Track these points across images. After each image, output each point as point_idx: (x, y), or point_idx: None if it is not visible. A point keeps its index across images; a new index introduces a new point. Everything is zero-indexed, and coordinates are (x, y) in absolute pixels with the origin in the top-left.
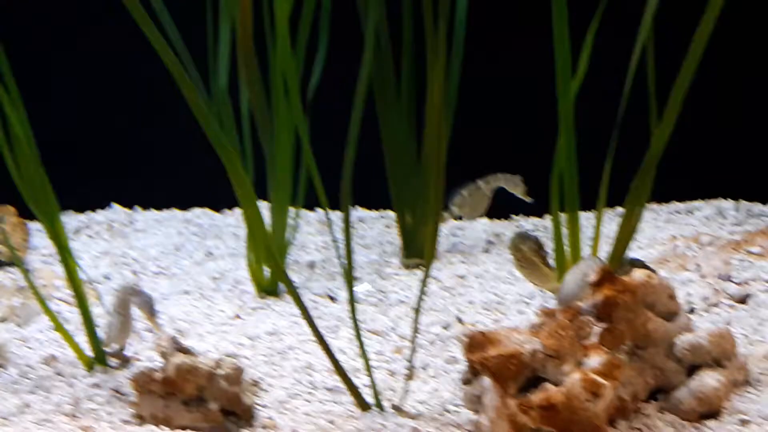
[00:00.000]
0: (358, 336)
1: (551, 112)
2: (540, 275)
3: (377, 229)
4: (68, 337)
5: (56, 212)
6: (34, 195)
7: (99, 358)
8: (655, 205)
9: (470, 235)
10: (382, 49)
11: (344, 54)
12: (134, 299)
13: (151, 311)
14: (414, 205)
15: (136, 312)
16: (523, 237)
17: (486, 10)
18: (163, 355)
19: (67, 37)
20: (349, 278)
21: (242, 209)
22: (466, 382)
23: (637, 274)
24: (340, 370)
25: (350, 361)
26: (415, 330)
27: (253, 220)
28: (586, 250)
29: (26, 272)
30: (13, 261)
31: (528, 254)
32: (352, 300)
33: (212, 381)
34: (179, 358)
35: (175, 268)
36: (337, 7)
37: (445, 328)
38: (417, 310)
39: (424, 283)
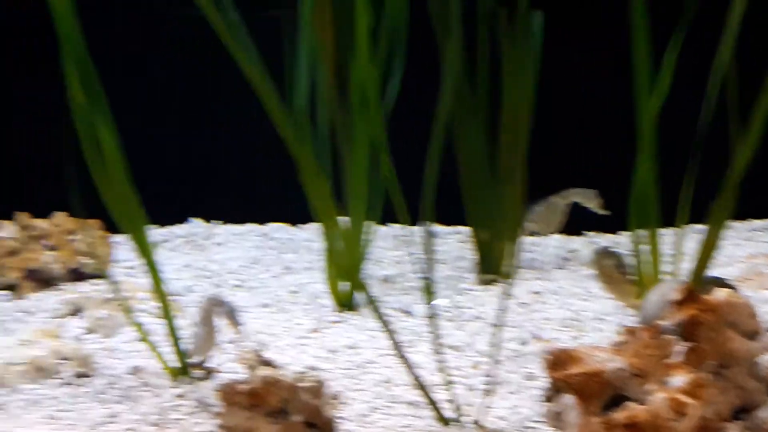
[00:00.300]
0: (439, 351)
1: (629, 127)
2: (621, 291)
3: (451, 244)
4: (154, 348)
5: (143, 227)
6: (121, 210)
7: (183, 369)
8: (733, 223)
9: (544, 251)
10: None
11: (419, 66)
12: (218, 310)
13: (235, 321)
14: (489, 220)
15: (219, 324)
16: (605, 253)
17: (565, 21)
18: (249, 367)
19: (152, 56)
20: (429, 293)
21: (321, 224)
22: (548, 399)
23: (719, 293)
24: (420, 384)
25: (428, 376)
26: (496, 346)
27: (332, 235)
28: (665, 267)
29: (114, 284)
30: (98, 273)
31: (610, 270)
32: (433, 315)
33: (295, 394)
34: (264, 371)
35: (254, 282)
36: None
37: (522, 344)
38: (497, 326)
39: (503, 298)
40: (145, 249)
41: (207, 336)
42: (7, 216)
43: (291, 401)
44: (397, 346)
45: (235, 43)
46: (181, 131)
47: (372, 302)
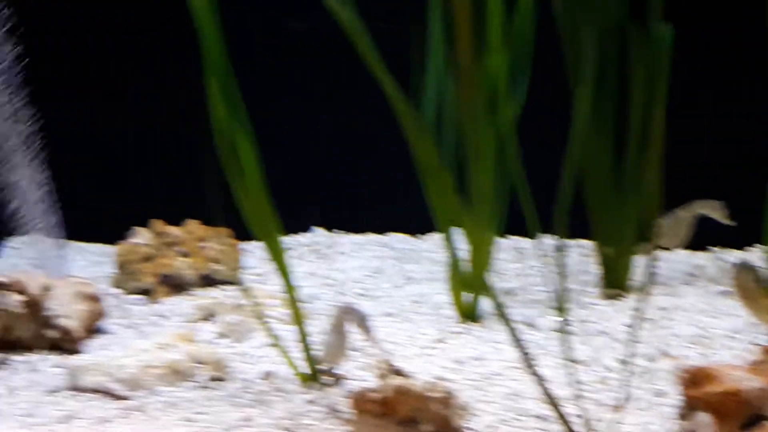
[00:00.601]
0: (568, 364)
1: (761, 136)
2: (759, 307)
3: (574, 257)
4: (286, 354)
5: (277, 235)
6: (257, 219)
7: (313, 376)
8: None
9: (671, 266)
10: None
11: (545, 77)
12: (350, 318)
13: (367, 330)
14: (615, 234)
15: (350, 332)
16: (745, 267)
17: (696, 31)
18: (380, 375)
19: (280, 69)
20: (561, 307)
21: (444, 234)
22: (682, 416)
23: None
24: (550, 398)
25: (556, 390)
26: (626, 362)
27: (450, 245)
28: None
29: (246, 290)
30: (228, 279)
31: (749, 285)
32: (561, 329)
33: (426, 403)
34: (396, 380)
35: (377, 291)
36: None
37: (650, 360)
38: (630, 341)
39: (636, 314)
40: (278, 256)
41: (339, 344)
42: (143, 223)
43: (421, 411)
44: (527, 359)
45: (370, 52)
46: (305, 141)
47: (502, 313)
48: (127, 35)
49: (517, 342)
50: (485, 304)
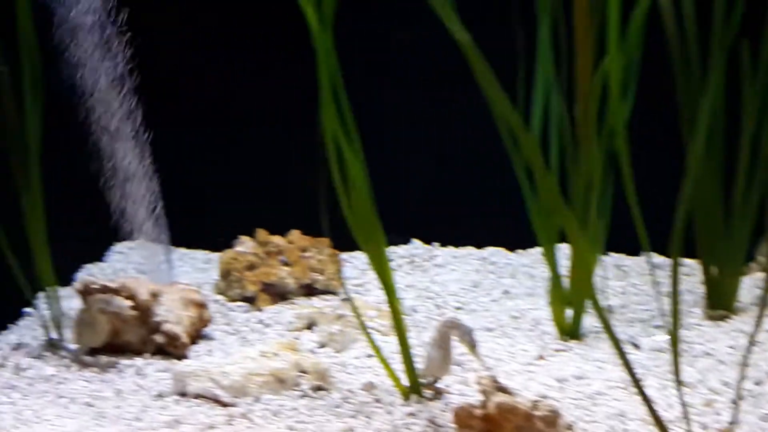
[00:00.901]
0: (671, 386)
1: None
2: None
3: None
4: (387, 366)
5: (383, 246)
6: (363, 230)
7: (414, 388)
8: None
9: None
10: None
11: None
12: (455, 332)
13: (472, 344)
14: (721, 255)
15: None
16: None
17: None
18: (483, 391)
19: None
20: (674, 327)
21: (546, 249)
22: None
23: None
24: (657, 420)
25: (661, 412)
26: (733, 384)
27: (552, 261)
28: None
29: (346, 301)
30: (329, 289)
31: None
32: (669, 349)
33: (530, 421)
34: (500, 397)
35: (475, 305)
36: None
37: (757, 384)
38: (738, 363)
39: (745, 335)
40: (383, 268)
41: (443, 358)
42: (245, 232)
43: (526, 429)
44: (635, 380)
45: (480, 65)
46: (407, 153)
47: (610, 332)
48: (237, 47)
49: (625, 362)
50: (586, 321)
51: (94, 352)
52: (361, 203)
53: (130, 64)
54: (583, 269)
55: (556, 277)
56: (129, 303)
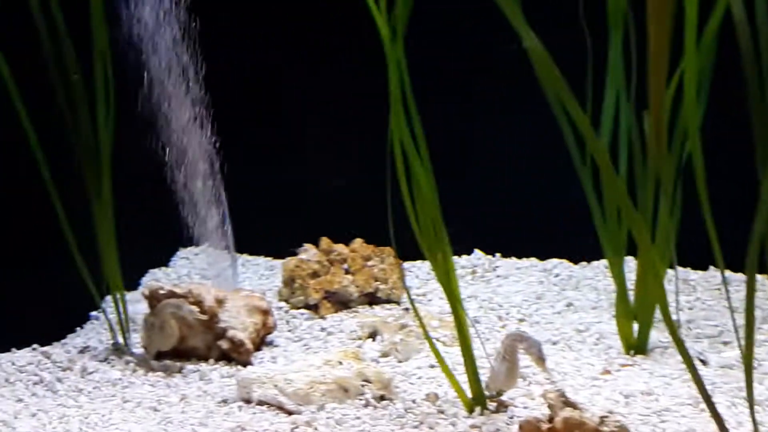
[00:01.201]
0: (743, 403)
1: None
2: None
3: (742, 292)
4: (452, 377)
5: (449, 257)
6: (430, 239)
7: (478, 400)
8: None
9: None
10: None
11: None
12: (522, 345)
13: (540, 358)
14: None
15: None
16: None
17: None
18: (551, 406)
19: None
20: (749, 347)
21: (611, 263)
22: None
23: None
24: None
25: (731, 430)
26: None
27: (619, 274)
28: None
29: (408, 311)
30: (391, 298)
31: None
32: (750, 368)
33: None
34: (567, 411)
35: (537, 317)
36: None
37: None
38: None
39: None
40: (449, 278)
41: (509, 371)
42: (312, 240)
43: None
44: (706, 397)
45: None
46: (473, 162)
47: (682, 349)
48: (307, 56)
49: (696, 378)
50: (653, 335)
51: (159, 356)
52: (428, 212)
53: (200, 72)
54: (651, 282)
55: (622, 290)
56: (195, 308)
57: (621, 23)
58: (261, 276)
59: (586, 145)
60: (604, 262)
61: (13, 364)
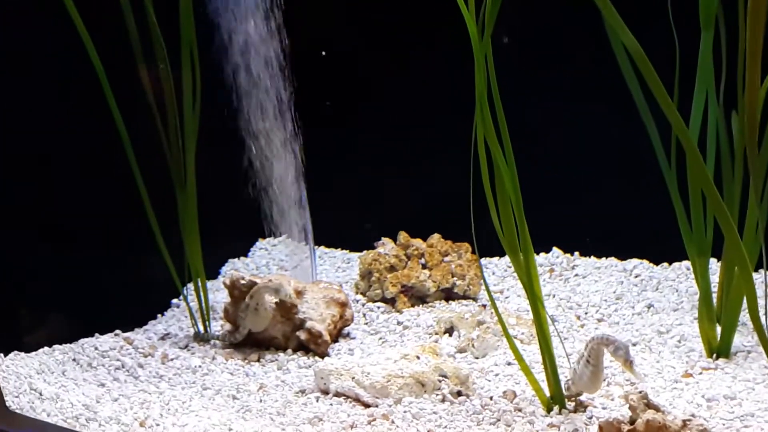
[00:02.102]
0: None
1: None
2: None
3: None
4: (531, 375)
5: (531, 254)
6: (512, 236)
7: (557, 399)
8: None
9: None
10: None
11: None
12: (609, 349)
13: (628, 361)
14: None
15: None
16: None
17: None
18: (632, 408)
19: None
20: None
21: (696, 265)
22: None
23: None
24: None
25: None
26: None
27: (703, 277)
28: None
29: (493, 307)
30: (468, 294)
31: None
32: None
33: None
34: (649, 414)
35: (617, 317)
36: None
37: None
38: None
39: None
40: (531, 276)
41: (594, 374)
42: (389, 234)
43: None
44: None
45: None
46: (549, 161)
47: None
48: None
49: None
50: (736, 340)
51: (238, 345)
52: (511, 210)
53: (285, 66)
54: (736, 286)
55: (706, 292)
56: (275, 299)
57: (712, 23)
58: (338, 268)
59: (672, 147)
60: (686, 263)
61: (96, 348)
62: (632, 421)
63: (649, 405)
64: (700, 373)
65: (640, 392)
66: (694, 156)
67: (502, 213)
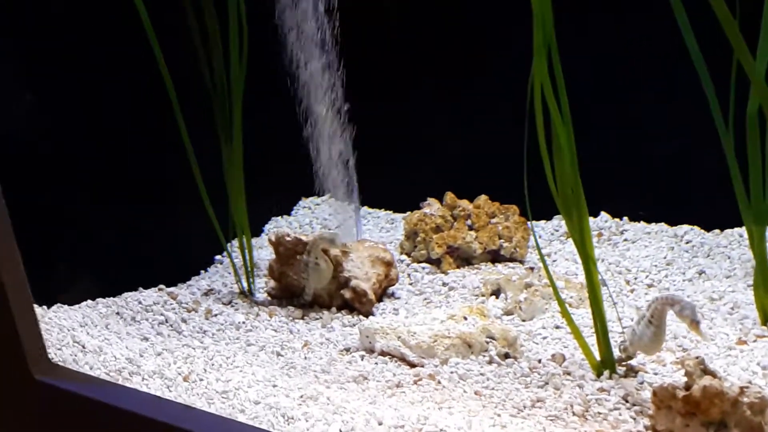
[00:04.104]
0: None
1: None
2: None
3: None
4: (581, 338)
5: (585, 217)
6: (568, 200)
7: (607, 363)
8: None
9: None
10: None
11: None
12: (675, 308)
13: (695, 321)
14: None
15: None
16: None
17: None
18: (688, 374)
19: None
20: None
21: (751, 232)
22: None
23: None
24: None
25: None
26: None
27: (760, 244)
28: None
29: (543, 269)
30: (515, 257)
31: None
32: None
33: (736, 407)
34: (706, 380)
35: (667, 283)
36: None
37: None
38: None
39: None
40: (585, 238)
41: (655, 336)
42: (435, 195)
43: (731, 414)
44: None
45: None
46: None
47: None
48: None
49: None
50: None
51: (283, 302)
52: (567, 171)
53: (333, 30)
54: None
55: (762, 259)
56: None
57: None
58: (382, 228)
59: (731, 108)
60: (738, 230)
61: (140, 303)
62: (688, 387)
63: (706, 371)
64: (755, 341)
65: (697, 358)
66: None
67: (558, 170)
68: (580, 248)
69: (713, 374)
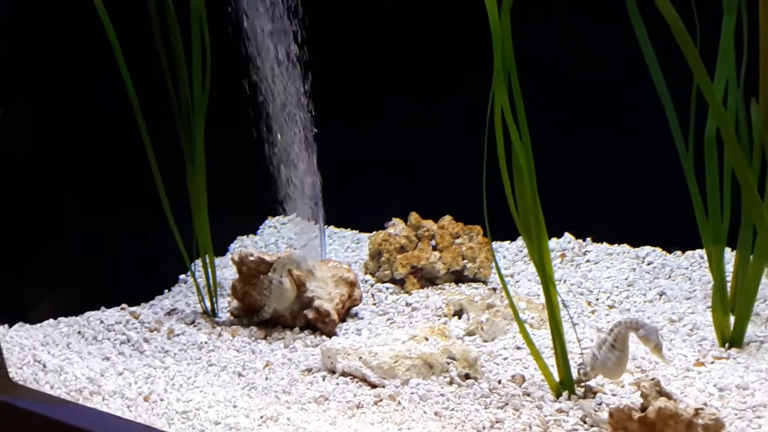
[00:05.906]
0: None
1: None
2: None
3: None
4: (540, 359)
5: (545, 238)
6: (527, 220)
7: (566, 385)
8: None
9: None
10: None
11: None
12: (640, 333)
13: (657, 345)
14: None
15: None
16: None
17: None
18: (644, 395)
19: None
20: None
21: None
22: None
23: None
24: None
25: None
26: None
27: (718, 266)
28: None
29: (504, 291)
30: (478, 277)
31: None
32: None
33: (691, 429)
34: (661, 401)
35: (628, 304)
36: None
37: None
38: None
39: None
40: (544, 260)
41: (620, 359)
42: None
43: None
44: None
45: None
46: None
47: None
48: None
49: None
50: (749, 330)
51: (244, 323)
52: (526, 193)
53: (301, 48)
54: (751, 277)
55: (721, 281)
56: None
57: (735, 8)
58: (347, 248)
59: (690, 131)
60: (699, 252)
61: (102, 322)
62: (643, 409)
63: (662, 392)
64: (712, 363)
65: (652, 379)
66: (731, 140)
67: (518, 192)
68: (540, 269)
69: (669, 396)
